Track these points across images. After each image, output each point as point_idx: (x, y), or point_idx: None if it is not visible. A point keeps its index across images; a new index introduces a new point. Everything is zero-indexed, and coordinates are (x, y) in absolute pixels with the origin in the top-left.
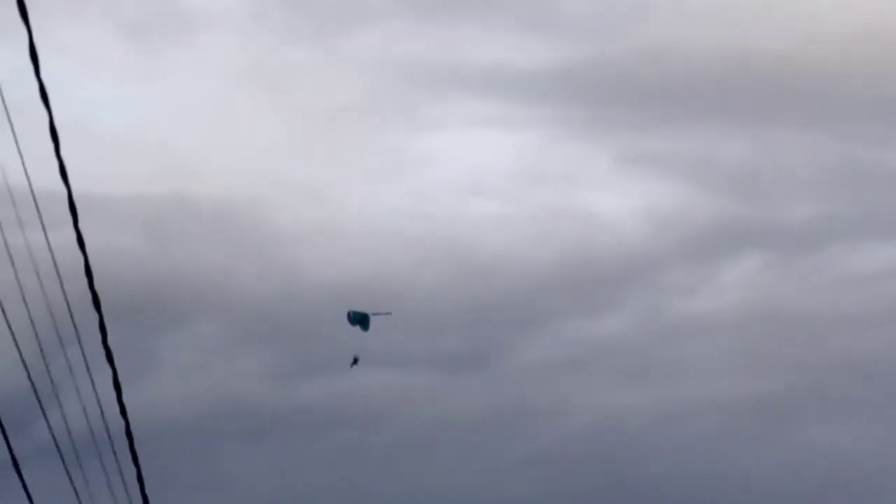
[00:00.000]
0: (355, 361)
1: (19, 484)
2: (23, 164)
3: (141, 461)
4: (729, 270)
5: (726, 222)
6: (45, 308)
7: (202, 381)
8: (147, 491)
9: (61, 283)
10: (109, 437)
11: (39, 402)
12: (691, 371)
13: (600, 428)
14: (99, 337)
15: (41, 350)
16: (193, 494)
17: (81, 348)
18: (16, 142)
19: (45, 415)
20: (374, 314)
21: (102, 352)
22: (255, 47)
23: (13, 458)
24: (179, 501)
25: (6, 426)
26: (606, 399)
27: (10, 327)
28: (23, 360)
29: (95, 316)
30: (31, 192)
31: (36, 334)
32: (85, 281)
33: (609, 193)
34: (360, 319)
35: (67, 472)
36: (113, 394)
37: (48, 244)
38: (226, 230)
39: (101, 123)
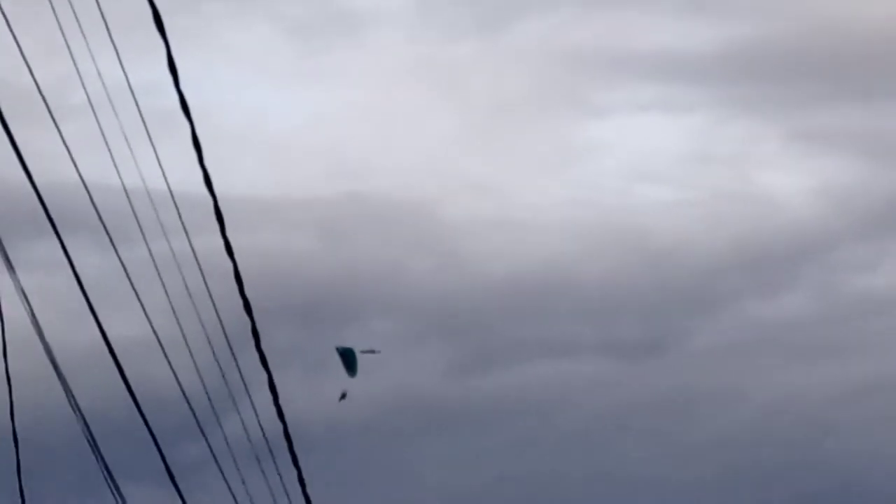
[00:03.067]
0: (343, 396)
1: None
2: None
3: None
4: None
5: None
6: (213, 314)
7: (379, 377)
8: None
9: (208, 290)
10: (267, 441)
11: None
12: (873, 348)
13: (781, 408)
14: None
15: (213, 354)
16: (375, 491)
17: (233, 354)
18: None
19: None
20: (363, 352)
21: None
22: (420, 43)
23: (169, 471)
24: (361, 499)
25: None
26: (786, 379)
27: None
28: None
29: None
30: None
31: (209, 340)
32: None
33: (780, 172)
34: (345, 356)
35: (226, 481)
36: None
37: (191, 251)
38: (398, 227)
39: (272, 127)
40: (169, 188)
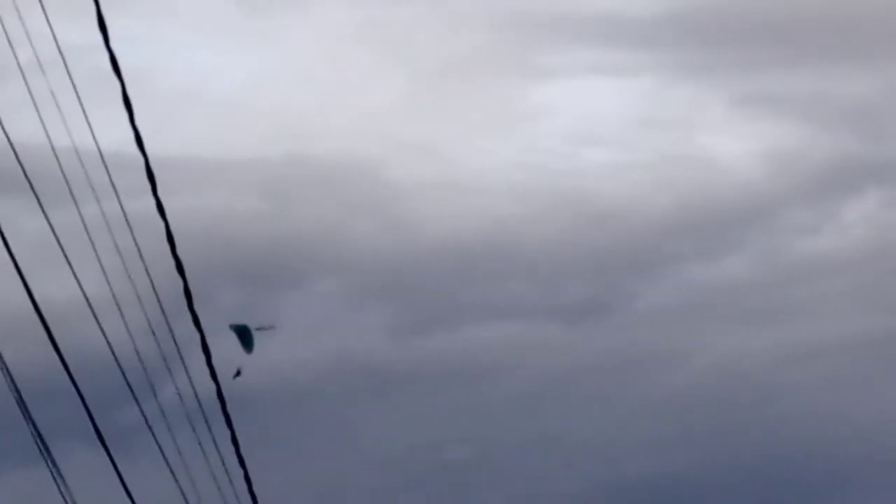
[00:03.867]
0: (238, 374)
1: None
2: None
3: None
4: (850, 209)
5: (846, 160)
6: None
7: (323, 339)
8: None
9: (139, 250)
10: (199, 402)
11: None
12: (814, 311)
13: (723, 371)
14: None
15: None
16: (318, 453)
17: (165, 316)
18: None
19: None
20: (258, 329)
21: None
22: (365, 6)
23: (97, 432)
24: (303, 460)
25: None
26: (729, 342)
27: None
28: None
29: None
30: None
31: (140, 300)
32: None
33: (725, 136)
34: (241, 333)
35: (157, 442)
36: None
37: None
38: (342, 189)
39: (216, 88)
40: (98, 149)
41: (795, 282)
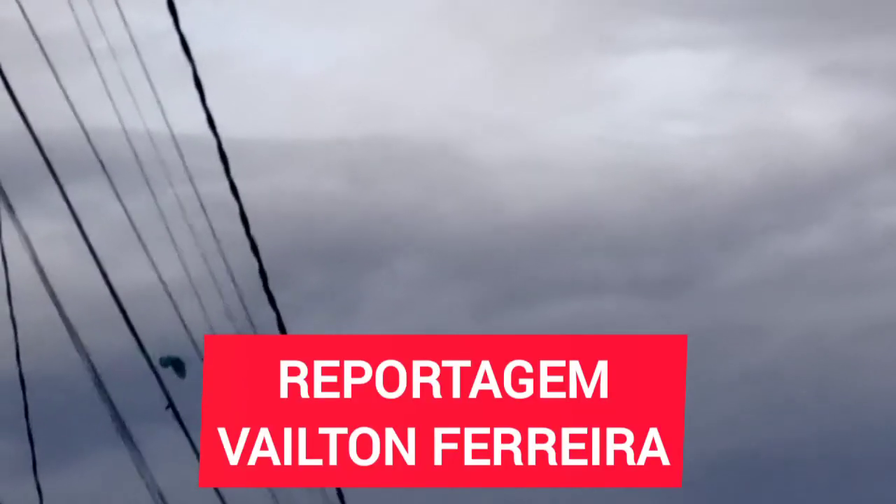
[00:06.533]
0: (168, 407)
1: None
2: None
3: None
4: None
5: None
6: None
7: (405, 318)
8: None
9: (213, 233)
10: None
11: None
12: None
13: (808, 344)
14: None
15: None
16: None
17: (241, 299)
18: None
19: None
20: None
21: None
22: None
23: (176, 414)
24: None
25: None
26: (813, 315)
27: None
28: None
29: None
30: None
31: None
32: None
33: (808, 107)
34: (173, 364)
35: None
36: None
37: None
38: (424, 169)
39: (298, 71)
40: (170, 130)
41: (880, 253)
